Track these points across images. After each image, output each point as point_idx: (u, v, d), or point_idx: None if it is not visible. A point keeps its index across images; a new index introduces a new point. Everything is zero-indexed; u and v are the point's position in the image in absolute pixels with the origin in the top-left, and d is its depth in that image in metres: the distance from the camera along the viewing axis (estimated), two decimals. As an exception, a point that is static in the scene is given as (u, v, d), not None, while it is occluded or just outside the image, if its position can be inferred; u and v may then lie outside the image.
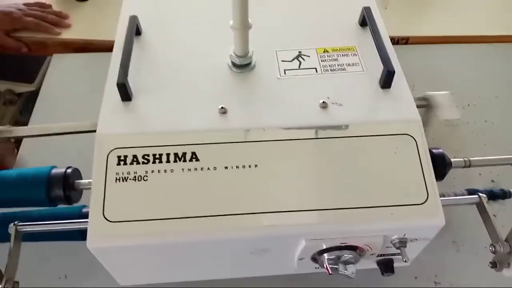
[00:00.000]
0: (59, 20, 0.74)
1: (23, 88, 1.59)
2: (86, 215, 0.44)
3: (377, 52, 0.46)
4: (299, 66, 0.46)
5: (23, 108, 1.62)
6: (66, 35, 0.74)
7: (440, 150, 0.43)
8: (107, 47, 0.73)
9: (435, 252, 0.53)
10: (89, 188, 0.41)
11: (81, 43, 0.74)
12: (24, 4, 0.76)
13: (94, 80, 0.69)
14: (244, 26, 0.42)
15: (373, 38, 0.46)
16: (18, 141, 1.43)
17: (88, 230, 0.36)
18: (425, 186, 0.39)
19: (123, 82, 0.41)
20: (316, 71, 0.45)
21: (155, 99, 0.43)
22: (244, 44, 0.44)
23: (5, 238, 0.41)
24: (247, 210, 0.37)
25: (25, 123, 1.69)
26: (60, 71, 0.70)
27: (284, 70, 0.46)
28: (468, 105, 0.66)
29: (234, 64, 0.45)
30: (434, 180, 0.39)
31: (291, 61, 0.46)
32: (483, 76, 0.71)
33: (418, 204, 0.38)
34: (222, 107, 0.42)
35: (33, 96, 1.61)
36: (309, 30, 0.50)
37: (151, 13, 0.51)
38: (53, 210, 0.45)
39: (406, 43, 0.74)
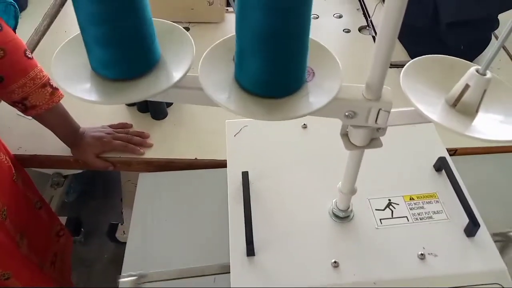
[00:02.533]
0: (143, 141, 0.83)
1: (70, 170, 1.68)
2: None
3: (455, 198, 0.53)
4: (392, 215, 0.53)
5: (69, 189, 1.70)
6: (148, 154, 0.83)
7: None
8: (186, 165, 0.82)
9: None
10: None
11: (163, 161, 0.82)
12: (110, 126, 0.85)
13: (179, 197, 0.78)
14: (351, 192, 0.49)
15: (453, 188, 0.54)
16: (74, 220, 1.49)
17: None
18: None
19: (251, 243, 0.49)
20: (408, 220, 0.53)
21: (274, 253, 0.50)
22: (348, 203, 0.51)
23: None
24: None
25: (71, 204, 1.76)
26: (148, 189, 0.78)
27: (380, 220, 0.53)
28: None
29: (336, 216, 0.53)
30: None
31: (383, 209, 0.54)
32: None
33: None
34: (334, 261, 0.49)
35: (78, 176, 1.69)
36: (392, 176, 0.58)
37: (254, 163, 0.59)
38: None
39: (454, 154, 0.82)
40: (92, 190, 1.70)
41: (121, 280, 0.59)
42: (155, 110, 0.87)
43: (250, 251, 0.49)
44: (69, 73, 0.36)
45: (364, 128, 0.40)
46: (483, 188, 0.78)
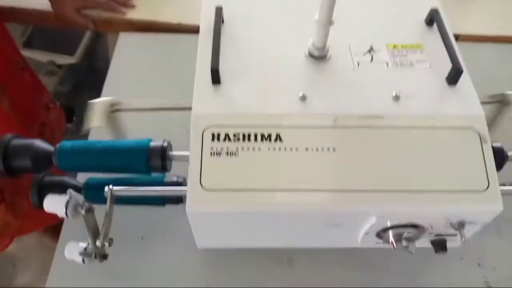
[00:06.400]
0: (126, 0, 0.79)
1: (64, 60, 1.65)
2: (169, 184, 0.49)
3: (443, 51, 0.49)
4: (371, 60, 0.50)
5: (63, 79, 1.68)
6: (130, 14, 0.79)
7: (499, 145, 0.47)
8: (168, 28, 0.78)
9: (479, 237, 0.57)
10: (181, 160, 0.46)
11: (145, 23, 0.78)
12: (93, -17, 0.80)
13: (158, 58, 0.75)
14: (328, 23, 0.46)
15: (441, 37, 0.50)
16: (67, 109, 1.48)
17: (187, 197, 0.41)
18: (486, 175, 0.43)
19: (216, 68, 0.46)
20: (387, 65, 0.49)
21: (241, 83, 0.47)
22: (324, 38, 0.48)
23: (101, 200, 0.46)
24: (325, 187, 0.42)
25: (64, 93, 1.74)
26: (128, 48, 0.75)
27: (358, 62, 0.49)
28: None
29: (311, 55, 0.50)
30: (495, 170, 0.43)
31: (363, 54, 0.50)
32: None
33: (480, 190, 0.42)
34: (302, 94, 0.46)
35: (72, 68, 1.66)
36: (379, 26, 0.53)
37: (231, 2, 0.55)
38: (139, 178, 0.50)
39: (456, 40, 0.77)
40: (84, 82, 1.67)
41: (92, 101, 0.56)
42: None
43: (215, 78, 0.46)
44: None
45: None
46: (483, 76, 0.74)
